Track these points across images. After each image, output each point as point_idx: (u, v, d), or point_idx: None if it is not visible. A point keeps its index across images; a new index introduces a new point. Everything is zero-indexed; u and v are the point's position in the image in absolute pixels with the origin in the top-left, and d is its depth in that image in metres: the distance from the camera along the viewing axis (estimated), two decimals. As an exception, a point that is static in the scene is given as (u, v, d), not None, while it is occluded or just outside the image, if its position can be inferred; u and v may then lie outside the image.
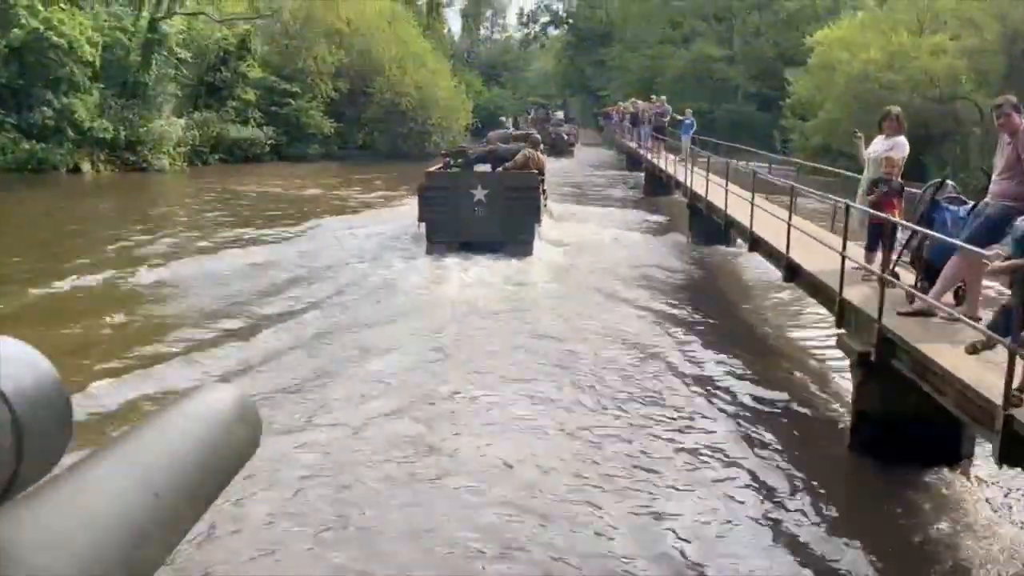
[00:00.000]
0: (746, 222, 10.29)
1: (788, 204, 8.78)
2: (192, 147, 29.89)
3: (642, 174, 30.60)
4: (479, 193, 13.05)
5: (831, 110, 30.25)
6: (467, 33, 60.64)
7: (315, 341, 8.72)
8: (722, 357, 8.41)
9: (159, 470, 0.78)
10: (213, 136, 30.84)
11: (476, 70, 56.67)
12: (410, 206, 14.50)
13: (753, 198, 10.00)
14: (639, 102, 28.98)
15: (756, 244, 9.89)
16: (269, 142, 32.53)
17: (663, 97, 24.49)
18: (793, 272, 8.22)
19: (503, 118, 35.83)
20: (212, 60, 31.66)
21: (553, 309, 10.25)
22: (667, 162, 20.65)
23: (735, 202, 11.49)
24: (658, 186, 23.85)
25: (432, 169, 14.48)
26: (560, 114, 45.68)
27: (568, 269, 12.78)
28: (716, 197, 12.95)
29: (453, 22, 61.82)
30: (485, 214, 12.99)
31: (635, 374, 7.85)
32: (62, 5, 22.99)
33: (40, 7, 22.08)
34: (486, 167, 14.52)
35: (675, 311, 10.56)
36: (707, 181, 13.43)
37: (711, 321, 10.12)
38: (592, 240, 14.86)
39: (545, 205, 14.74)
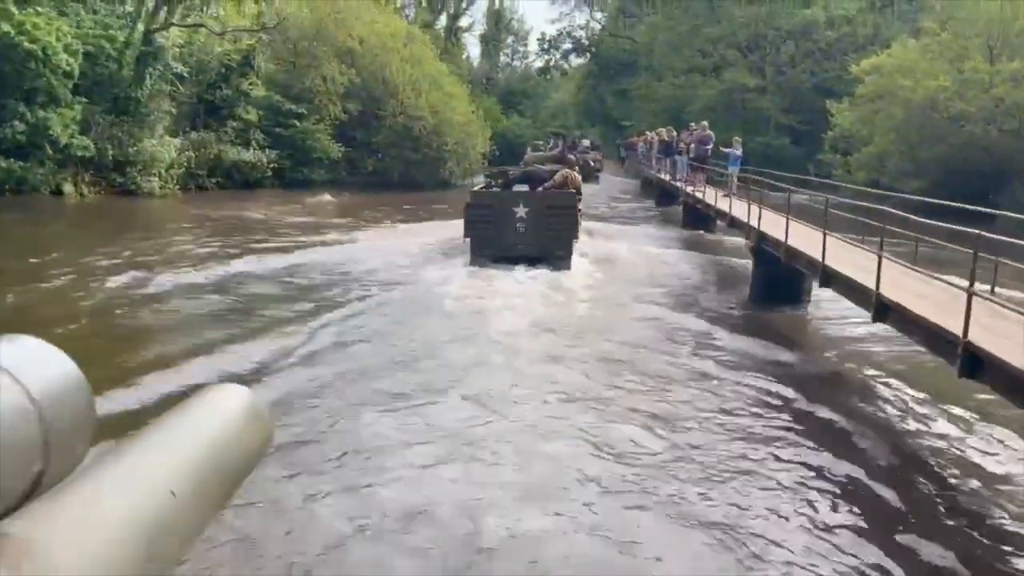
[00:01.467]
0: (861, 278, 7.63)
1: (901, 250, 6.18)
2: (187, 169, 27.56)
3: (670, 209, 28.18)
4: (521, 211, 13.98)
5: (881, 143, 27.68)
6: (486, 59, 58.69)
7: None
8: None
9: (175, 469, 0.79)
10: (210, 158, 28.53)
11: (495, 97, 54.51)
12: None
13: (881, 245, 7.33)
14: (672, 130, 26.46)
15: (885, 312, 7.20)
16: (271, 166, 30.17)
17: (704, 123, 21.92)
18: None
19: (538, 142, 34.32)
20: (212, 77, 29.47)
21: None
22: (715, 197, 18.05)
23: (824, 248, 8.90)
24: (697, 219, 21.26)
25: (476, 189, 16.00)
26: (587, 141, 43.49)
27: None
28: (801, 241, 10.32)
29: (472, 47, 60.07)
30: (526, 230, 13.91)
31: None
32: (38, 8, 20.72)
33: (13, 9, 19.82)
34: (523, 187, 15.46)
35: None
36: (787, 223, 10.74)
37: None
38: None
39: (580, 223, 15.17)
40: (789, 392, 7.82)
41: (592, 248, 16.18)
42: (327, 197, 27.67)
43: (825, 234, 9.09)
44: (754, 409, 7.34)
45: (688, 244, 19.09)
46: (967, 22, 23.89)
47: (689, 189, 21.20)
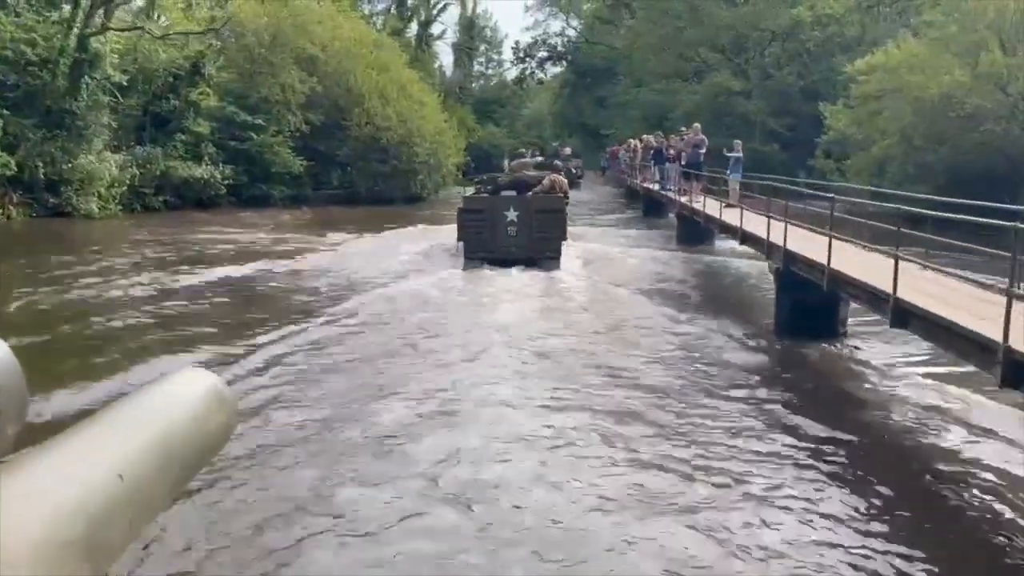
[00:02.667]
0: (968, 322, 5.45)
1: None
2: (131, 188, 25.06)
3: (659, 219, 26.06)
4: (511, 214, 14.62)
5: (883, 146, 25.74)
6: (459, 68, 56.50)
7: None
8: None
9: (124, 453, 0.78)
10: (157, 175, 26.05)
11: (469, 106, 52.36)
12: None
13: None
14: (660, 135, 24.39)
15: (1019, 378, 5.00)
16: (226, 182, 27.71)
17: (697, 125, 19.81)
18: None
19: (522, 149, 33.02)
20: (159, 86, 27.02)
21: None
22: (718, 209, 15.93)
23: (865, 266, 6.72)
24: (695, 235, 19.13)
25: (469, 194, 16.40)
26: (568, 150, 41.70)
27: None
28: (849, 264, 8.17)
29: (444, 56, 57.89)
30: (517, 233, 14.55)
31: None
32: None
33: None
34: (512, 192, 15.80)
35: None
36: (830, 243, 8.56)
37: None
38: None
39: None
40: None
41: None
42: (286, 217, 25.36)
43: (897, 259, 6.88)
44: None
45: (692, 265, 16.88)
46: (974, 14, 22.00)
47: (684, 199, 19.07)
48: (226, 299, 12.77)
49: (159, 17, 27.27)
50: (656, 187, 24.58)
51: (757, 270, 14.43)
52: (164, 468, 0.82)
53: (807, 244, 9.92)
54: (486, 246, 14.62)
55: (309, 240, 20.16)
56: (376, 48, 34.34)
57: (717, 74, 42.21)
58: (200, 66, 27.26)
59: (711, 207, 16.46)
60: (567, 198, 15.86)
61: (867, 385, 8.48)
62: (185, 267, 15.35)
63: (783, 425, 6.90)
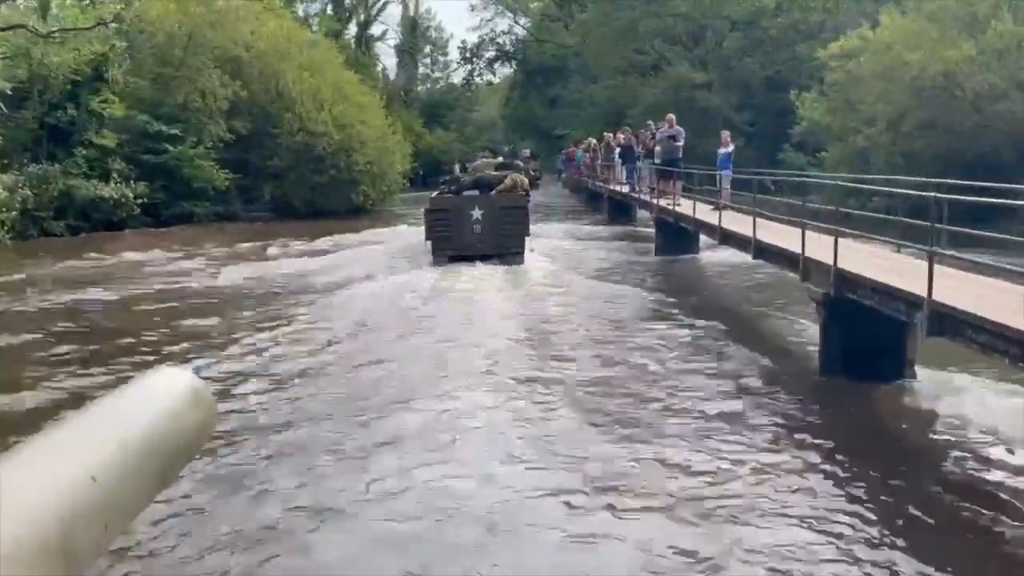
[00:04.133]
0: None
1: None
2: (24, 212, 21.70)
3: (628, 223, 23.52)
4: (476, 213, 15.18)
5: (873, 134, 23.52)
6: (403, 70, 53.42)
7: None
8: None
9: (97, 454, 0.77)
10: (55, 196, 22.72)
11: (415, 111, 49.41)
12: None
13: None
14: (628, 130, 21.78)
15: None
16: (139, 201, 24.40)
17: (671, 116, 17.14)
18: None
19: (481, 152, 29.67)
20: (55, 94, 23.66)
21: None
22: (710, 213, 13.32)
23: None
24: (676, 244, 16.55)
25: (435, 195, 16.86)
26: (528, 151, 39.14)
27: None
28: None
29: (387, 58, 54.78)
30: (482, 231, 15.10)
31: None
32: None
33: None
34: (475, 192, 16.14)
35: None
36: (931, 266, 5.92)
37: None
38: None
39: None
40: None
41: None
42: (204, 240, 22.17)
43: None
44: None
45: (679, 283, 14.25)
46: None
47: (662, 202, 16.45)
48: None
49: (50, 15, 23.88)
50: (625, 188, 21.98)
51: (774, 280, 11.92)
52: (140, 469, 0.79)
53: (856, 257, 7.34)
54: (453, 243, 15.19)
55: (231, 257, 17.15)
56: (309, 47, 31.29)
57: (676, 67, 39.94)
58: (103, 70, 23.95)
59: (700, 211, 13.86)
60: (528, 196, 16.57)
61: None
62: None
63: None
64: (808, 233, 8.14)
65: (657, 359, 8.60)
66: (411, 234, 19.33)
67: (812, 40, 35.01)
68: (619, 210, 25.38)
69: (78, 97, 23.96)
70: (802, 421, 6.75)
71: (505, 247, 15.04)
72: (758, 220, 10.18)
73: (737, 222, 11.30)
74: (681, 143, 16.21)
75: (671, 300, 11.97)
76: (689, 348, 9.12)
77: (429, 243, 15.47)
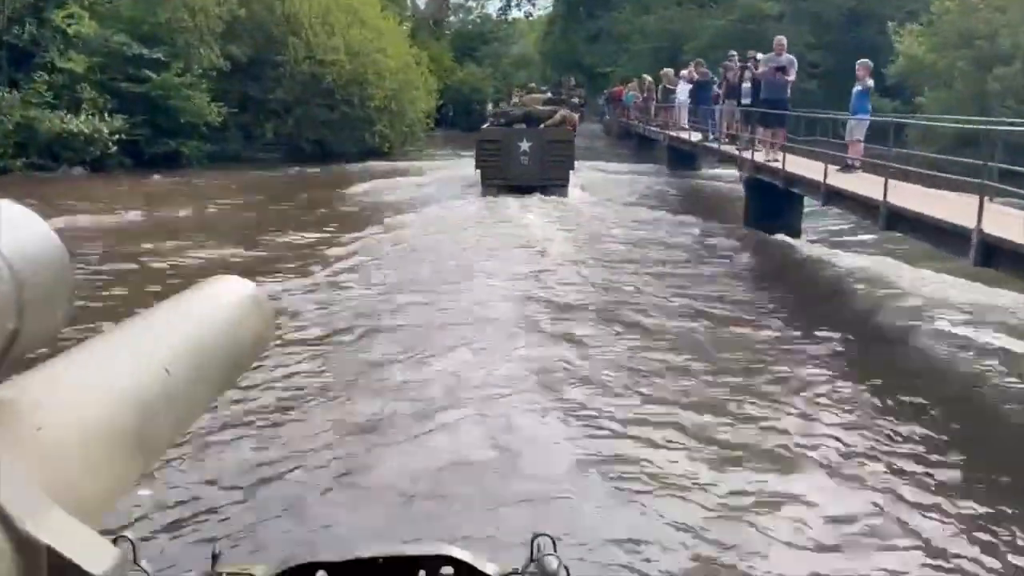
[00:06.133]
0: None
1: None
2: (-27, 148, 18.17)
3: (688, 182, 19.40)
4: (525, 145, 16.12)
5: (1008, 75, 19.03)
6: (434, -2, 48.74)
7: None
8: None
9: (170, 349, 0.80)
10: (12, 130, 19.12)
11: (445, 43, 44.86)
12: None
13: None
14: (703, 65, 17.44)
15: None
16: (116, 137, 20.71)
17: (781, 38, 12.68)
18: None
19: (532, 84, 29.10)
20: (14, 7, 19.85)
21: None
22: (844, 179, 9.26)
23: None
24: (773, 213, 12.51)
25: (485, 126, 18.13)
26: (572, 79, 35.18)
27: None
28: None
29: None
30: (529, 162, 16.03)
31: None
32: None
33: None
34: (523, 125, 16.86)
35: None
36: None
37: None
38: None
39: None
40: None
41: None
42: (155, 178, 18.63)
43: None
44: None
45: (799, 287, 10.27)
46: None
47: (760, 157, 12.36)
48: None
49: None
50: (695, 136, 17.82)
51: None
52: (205, 367, 0.83)
53: None
54: (502, 173, 16.01)
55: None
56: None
57: (740, -5, 35.11)
58: (69, -22, 20.05)
59: (815, 171, 9.80)
60: (575, 131, 17.28)
61: None
62: None
63: None
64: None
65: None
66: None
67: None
68: (681, 160, 21.28)
69: (41, 11, 20.15)
70: None
71: (551, 179, 15.88)
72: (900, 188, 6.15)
73: (918, 199, 7.29)
74: (792, 77, 12.05)
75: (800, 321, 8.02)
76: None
77: (479, 172, 16.63)
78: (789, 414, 5.56)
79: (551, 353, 6.67)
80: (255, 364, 1.00)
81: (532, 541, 1.33)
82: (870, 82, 10.65)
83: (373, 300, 8.61)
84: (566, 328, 7.44)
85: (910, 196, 7.96)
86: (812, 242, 12.11)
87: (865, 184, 9.12)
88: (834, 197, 9.27)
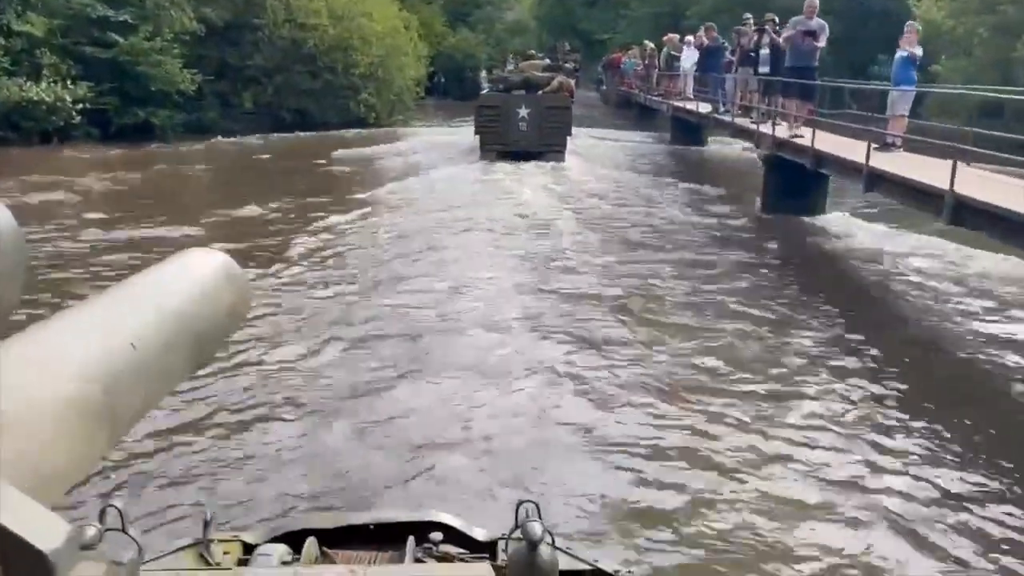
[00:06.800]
0: None
1: None
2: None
3: (693, 156, 18.02)
4: (523, 111, 16.31)
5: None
6: (425, -40, 46.72)
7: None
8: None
9: (138, 323, 0.80)
10: (-38, 98, 17.70)
11: (437, 6, 43.06)
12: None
13: None
14: (713, 29, 16.01)
15: None
16: (80, 107, 19.27)
17: (814, 1, 11.28)
18: None
19: (531, 51, 26.89)
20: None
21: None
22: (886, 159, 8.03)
23: None
24: (794, 196, 11.26)
25: (484, 92, 18.41)
26: (568, 44, 33.62)
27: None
28: None
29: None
30: (527, 128, 16.24)
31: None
32: None
33: None
34: (522, 92, 16.94)
35: None
36: None
37: None
38: None
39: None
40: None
41: None
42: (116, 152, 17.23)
43: None
44: None
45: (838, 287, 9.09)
46: None
47: (782, 132, 11.06)
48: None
49: None
50: (704, 107, 16.48)
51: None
52: (177, 341, 0.81)
53: None
54: (500, 139, 16.25)
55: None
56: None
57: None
58: (23, -67, 18.47)
59: (844, 148, 8.54)
60: (573, 98, 17.42)
61: None
62: None
63: None
64: None
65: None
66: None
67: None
68: (686, 132, 19.94)
69: (-5, -31, 18.58)
70: None
71: (548, 144, 16.14)
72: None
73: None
74: (823, 44, 10.72)
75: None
76: None
77: (477, 137, 16.79)
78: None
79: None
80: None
81: (517, 508, 1.39)
82: (918, 50, 9.35)
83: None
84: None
85: (973, 182, 6.71)
86: (839, 231, 10.86)
87: (914, 166, 7.86)
88: (879, 182, 8.01)
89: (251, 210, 11.58)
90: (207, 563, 1.55)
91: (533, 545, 1.33)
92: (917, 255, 9.00)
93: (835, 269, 9.06)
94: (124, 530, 1.06)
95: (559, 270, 8.35)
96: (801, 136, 10.58)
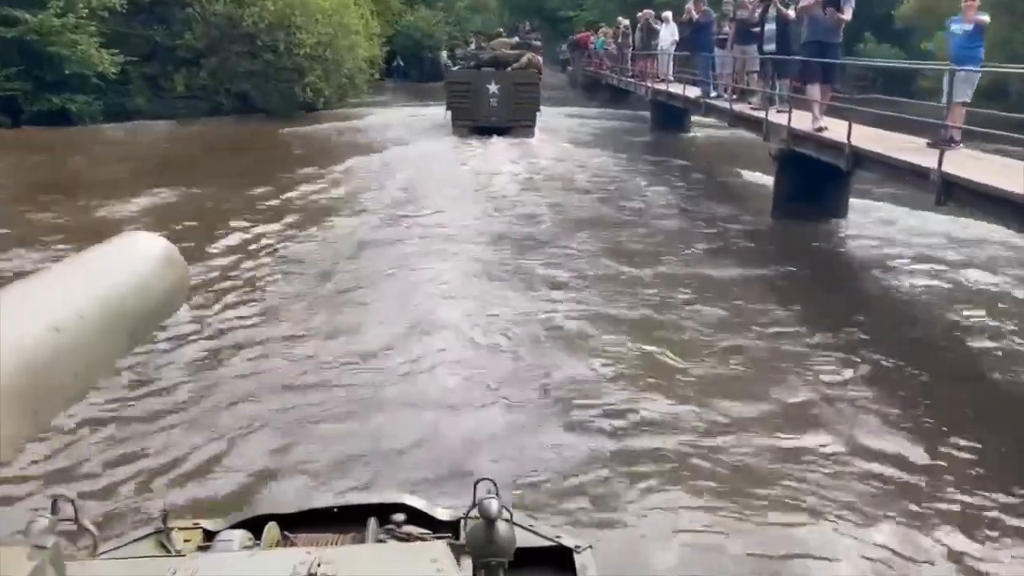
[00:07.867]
0: None
1: None
2: None
3: (678, 133, 16.12)
4: (493, 87, 16.69)
5: None
6: (380, -66, 44.01)
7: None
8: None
9: (64, 306, 0.96)
10: None
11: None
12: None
13: None
14: (703, 1, 14.09)
15: None
16: (-17, 93, 16.82)
17: None
18: None
19: (500, 29, 25.62)
20: None
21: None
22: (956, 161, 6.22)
23: None
24: (810, 197, 9.46)
25: (455, 69, 17.78)
26: (528, 24, 31.36)
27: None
28: None
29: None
30: (498, 104, 16.65)
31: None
32: None
33: None
34: (491, 69, 17.24)
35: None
36: None
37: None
38: None
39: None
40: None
41: None
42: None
43: None
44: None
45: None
46: None
47: (799, 123, 9.19)
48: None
49: None
50: (693, 91, 14.57)
51: None
52: (108, 324, 0.73)
53: None
54: (471, 114, 16.73)
55: None
56: None
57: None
58: None
59: (887, 146, 6.75)
60: (541, 74, 17.59)
61: None
62: None
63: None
64: None
65: None
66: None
67: None
68: (668, 119, 18.05)
69: None
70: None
71: (517, 119, 16.63)
72: None
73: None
74: (848, 16, 8.84)
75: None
76: None
77: (449, 113, 17.09)
78: None
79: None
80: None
81: (475, 486, 1.39)
82: (985, 17, 7.50)
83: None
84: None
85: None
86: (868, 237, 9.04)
87: (992, 169, 6.06)
88: (953, 191, 6.17)
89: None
90: (167, 551, 1.52)
91: (490, 522, 1.33)
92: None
93: (873, 286, 7.23)
94: (77, 520, 1.02)
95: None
96: (826, 128, 8.74)
